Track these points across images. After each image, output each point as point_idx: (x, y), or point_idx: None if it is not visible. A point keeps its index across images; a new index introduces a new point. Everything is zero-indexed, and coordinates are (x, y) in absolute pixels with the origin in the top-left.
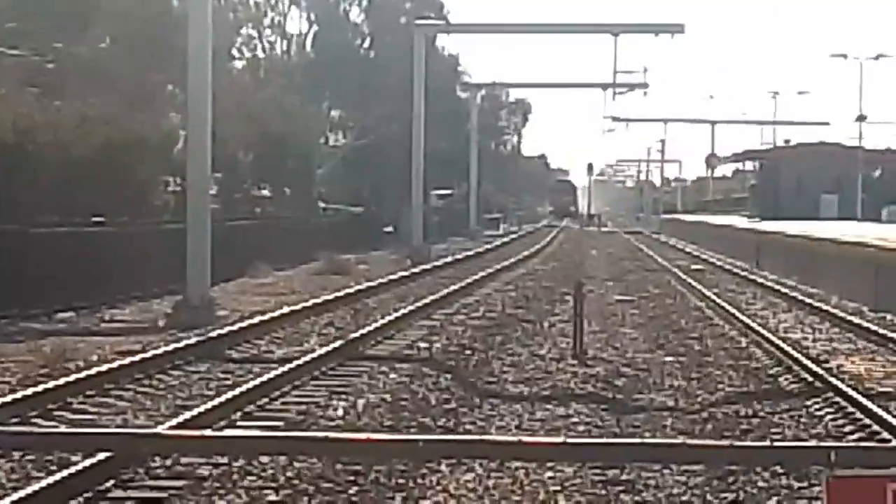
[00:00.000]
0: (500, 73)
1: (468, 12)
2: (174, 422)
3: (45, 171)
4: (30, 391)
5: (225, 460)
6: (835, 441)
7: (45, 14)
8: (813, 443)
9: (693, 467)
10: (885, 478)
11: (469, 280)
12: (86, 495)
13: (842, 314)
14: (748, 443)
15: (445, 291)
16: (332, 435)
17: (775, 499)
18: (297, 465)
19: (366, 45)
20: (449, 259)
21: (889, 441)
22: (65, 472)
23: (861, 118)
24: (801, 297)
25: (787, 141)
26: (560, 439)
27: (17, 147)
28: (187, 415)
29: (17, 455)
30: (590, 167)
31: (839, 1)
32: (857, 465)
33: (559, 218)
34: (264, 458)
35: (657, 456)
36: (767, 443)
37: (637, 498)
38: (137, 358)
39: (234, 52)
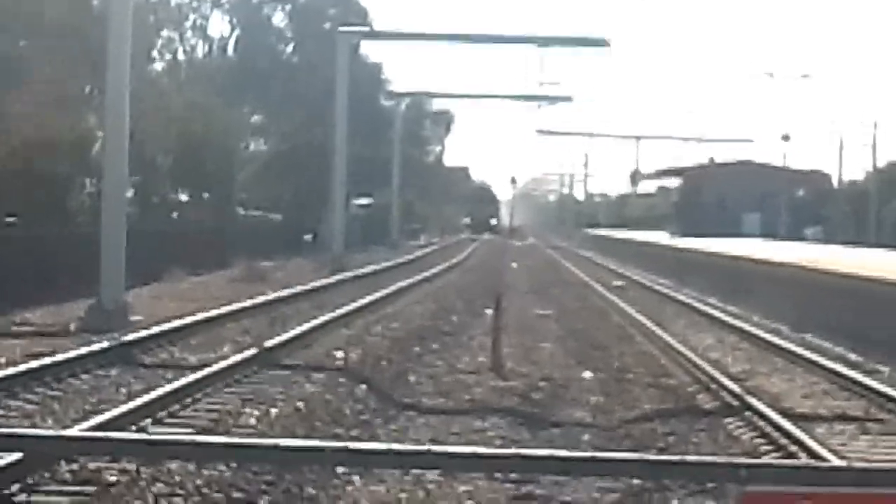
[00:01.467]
0: (424, 83)
1: (393, 21)
2: (83, 426)
3: None
4: None
5: (133, 466)
6: (747, 458)
7: None
8: (724, 459)
9: (608, 483)
10: (796, 495)
11: (389, 290)
12: None
13: (762, 334)
14: (659, 456)
15: (364, 301)
16: (239, 440)
17: None
18: (205, 472)
19: (289, 50)
20: (369, 269)
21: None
22: None
23: (786, 137)
24: (721, 317)
25: (711, 158)
26: (470, 449)
27: None
28: (97, 419)
29: None
30: (513, 180)
31: (769, 21)
32: (768, 481)
33: (477, 232)
34: (173, 465)
35: (566, 468)
36: (677, 457)
37: None
38: (48, 361)
39: (155, 53)
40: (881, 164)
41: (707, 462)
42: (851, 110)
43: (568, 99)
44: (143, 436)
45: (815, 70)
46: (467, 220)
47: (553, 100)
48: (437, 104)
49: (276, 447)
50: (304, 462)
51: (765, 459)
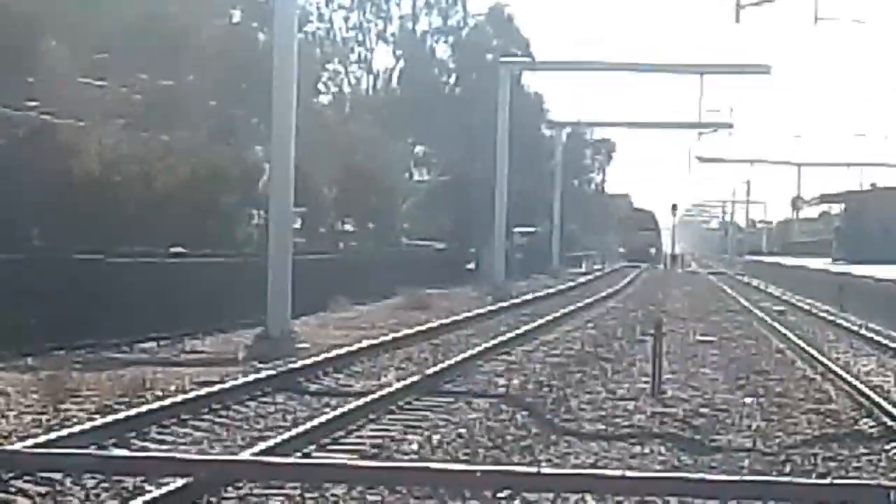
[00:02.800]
0: (584, 112)
1: (553, 50)
2: (248, 452)
3: (129, 201)
4: (109, 419)
5: (296, 492)
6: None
7: (132, 46)
8: (872, 481)
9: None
10: None
11: (549, 318)
12: None
13: None
14: (806, 480)
15: (525, 328)
16: (390, 464)
17: None
18: (369, 497)
19: (451, 81)
20: (530, 297)
21: None
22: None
23: None
24: (884, 342)
25: (873, 184)
26: (619, 472)
27: (103, 177)
28: (262, 445)
29: (90, 482)
30: (674, 207)
31: None
32: None
33: (633, 263)
34: (337, 490)
35: (714, 492)
36: (826, 480)
37: None
38: (215, 388)
39: (320, 86)
40: None
41: (855, 484)
42: None
43: (729, 126)
44: (305, 461)
45: None
46: (622, 249)
47: (714, 127)
48: (597, 133)
49: (427, 469)
50: (456, 483)
51: None
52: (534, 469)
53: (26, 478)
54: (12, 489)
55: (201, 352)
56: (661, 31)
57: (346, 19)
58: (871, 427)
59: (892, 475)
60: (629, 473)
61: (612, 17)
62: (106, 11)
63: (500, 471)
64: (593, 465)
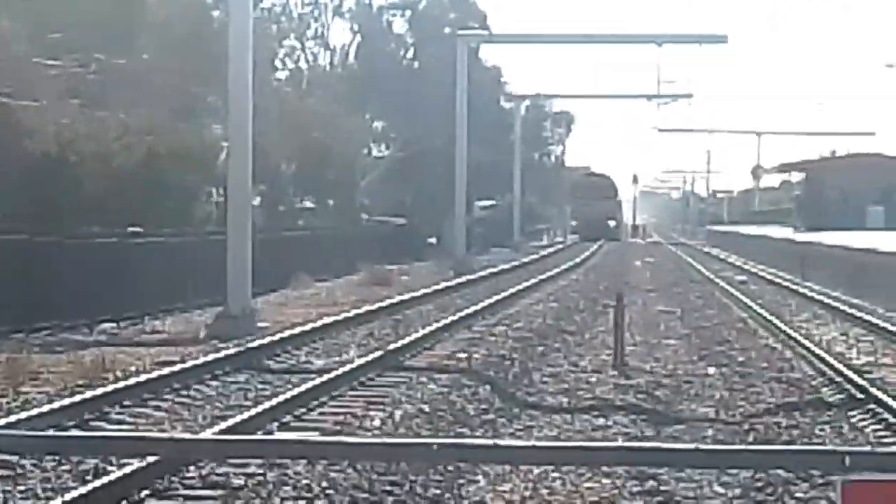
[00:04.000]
0: (543, 84)
1: (511, 23)
2: (210, 431)
3: (87, 181)
4: (67, 401)
5: (260, 469)
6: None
7: (87, 25)
8: (828, 447)
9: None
10: None
11: (511, 291)
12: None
13: (888, 326)
14: (764, 447)
15: (487, 302)
16: (348, 440)
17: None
18: (332, 474)
19: (409, 55)
20: (492, 270)
21: None
22: (98, 483)
23: None
24: (846, 309)
25: (833, 152)
26: (575, 444)
27: (60, 157)
28: (223, 425)
29: (50, 463)
30: (635, 178)
31: (891, 11)
32: (873, 469)
33: (588, 238)
34: (298, 467)
35: (672, 460)
36: (783, 447)
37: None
38: (176, 368)
39: (277, 63)
40: None
41: (810, 450)
42: None
43: (688, 96)
44: (264, 437)
45: None
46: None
47: (673, 97)
48: (556, 105)
49: (384, 444)
50: (413, 458)
51: (867, 448)
52: (490, 441)
53: None
54: None
55: (162, 332)
56: (620, 2)
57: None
58: (833, 394)
59: (850, 440)
60: (585, 444)
61: None
62: None
63: (457, 444)
64: (556, 438)
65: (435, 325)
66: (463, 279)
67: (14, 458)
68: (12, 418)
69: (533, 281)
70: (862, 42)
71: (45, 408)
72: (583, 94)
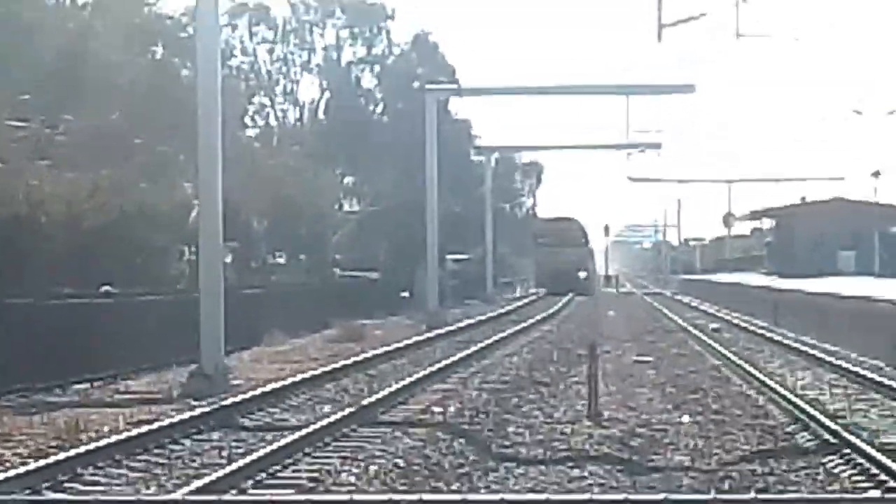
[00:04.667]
0: (513, 136)
1: (479, 76)
2: (183, 491)
3: (58, 242)
4: (41, 463)
5: None
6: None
7: (54, 86)
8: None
9: None
10: None
11: (484, 343)
12: None
13: (860, 370)
14: (730, 496)
15: (460, 355)
16: (317, 497)
17: None
18: None
19: (378, 110)
20: (465, 323)
21: None
22: None
23: (876, 174)
24: (818, 355)
25: (803, 198)
26: (543, 496)
27: (30, 218)
28: (198, 483)
29: None
30: (606, 229)
31: (856, 58)
32: None
33: (555, 291)
34: None
35: None
36: (763, 495)
37: None
38: (153, 427)
39: (247, 120)
40: None
41: (791, 499)
42: None
43: (657, 146)
44: (242, 497)
45: None
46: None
47: (642, 147)
48: (526, 156)
49: (351, 501)
50: None
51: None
52: (458, 497)
53: None
54: None
55: (135, 391)
56: (587, 53)
57: (271, 52)
58: (808, 441)
59: (829, 487)
60: (553, 497)
61: (538, 41)
62: (27, 52)
63: (424, 500)
64: (532, 490)
65: (409, 380)
66: (435, 333)
67: None
68: None
69: (506, 333)
70: (830, 89)
71: (21, 469)
72: (552, 145)
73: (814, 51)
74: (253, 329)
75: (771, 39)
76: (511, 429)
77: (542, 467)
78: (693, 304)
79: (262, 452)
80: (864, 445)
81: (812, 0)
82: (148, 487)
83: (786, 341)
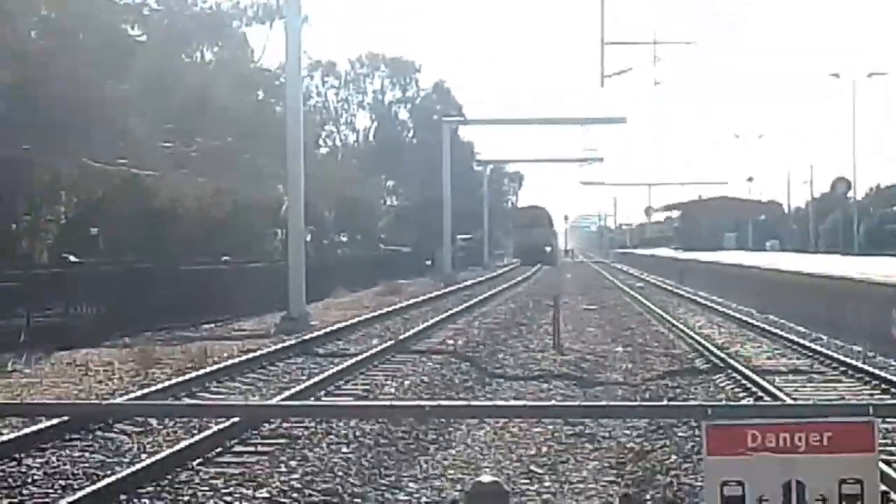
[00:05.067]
0: (502, 151)
1: (480, 108)
2: (277, 398)
3: (191, 226)
4: (180, 379)
5: (312, 424)
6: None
7: (190, 118)
8: (696, 403)
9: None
10: (746, 426)
11: (481, 297)
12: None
13: (738, 315)
14: (651, 403)
15: (466, 305)
16: (368, 403)
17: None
18: (372, 427)
19: (410, 135)
20: (470, 283)
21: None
22: (200, 436)
23: (750, 179)
24: (710, 305)
25: (700, 196)
26: (521, 403)
27: (171, 210)
28: (287, 392)
29: (171, 424)
30: (566, 216)
31: (734, 92)
32: (727, 417)
33: (528, 263)
34: (339, 423)
35: (587, 413)
36: (664, 403)
37: (590, 443)
38: (256, 354)
39: (320, 142)
40: (816, 194)
41: (684, 405)
42: (795, 157)
43: (601, 160)
44: (312, 403)
45: (769, 131)
46: (514, 250)
47: (591, 160)
48: (512, 167)
49: (388, 406)
50: (409, 416)
51: (724, 402)
52: (465, 403)
53: (126, 422)
54: (116, 430)
55: (245, 330)
56: (557, 92)
57: (336, 94)
58: (704, 364)
59: (717, 396)
60: (530, 403)
61: (524, 80)
62: (173, 94)
63: (442, 405)
64: (514, 398)
65: (431, 321)
66: (449, 289)
67: (148, 420)
68: (145, 391)
69: (498, 288)
70: (722, 117)
71: (167, 383)
72: (530, 158)
73: (706, 92)
74: (324, 286)
75: (678, 85)
76: (500, 356)
77: (522, 382)
78: (625, 269)
79: (330, 371)
80: (741, 367)
81: (705, 61)
82: (253, 396)
83: (688, 295)
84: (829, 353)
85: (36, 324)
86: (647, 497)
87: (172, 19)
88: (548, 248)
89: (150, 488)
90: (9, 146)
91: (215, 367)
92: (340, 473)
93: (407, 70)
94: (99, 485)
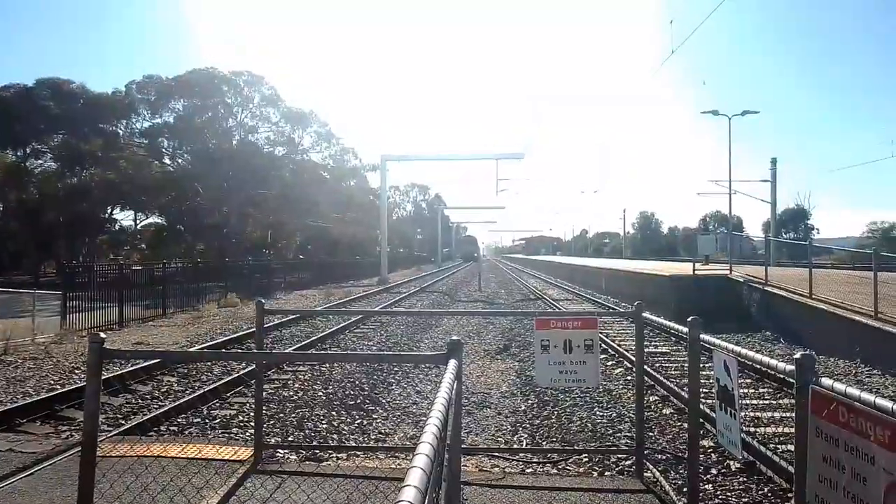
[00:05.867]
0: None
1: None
2: (380, 306)
3: (344, 246)
4: (341, 300)
5: (385, 319)
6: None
7: (329, 203)
8: (533, 310)
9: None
10: (560, 318)
11: (452, 271)
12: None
13: (545, 278)
14: (515, 310)
15: (448, 274)
16: (408, 311)
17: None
18: (408, 320)
19: (426, 213)
20: (449, 265)
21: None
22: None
23: (551, 229)
24: (536, 276)
25: (533, 235)
26: (466, 310)
27: (337, 240)
28: (381, 306)
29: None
30: (483, 241)
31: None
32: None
33: (466, 261)
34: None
35: (495, 314)
36: (528, 310)
37: (491, 325)
38: (365, 293)
39: (394, 215)
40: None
41: (529, 312)
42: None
43: (504, 190)
44: (391, 310)
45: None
46: (459, 255)
47: (503, 189)
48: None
49: (420, 311)
50: (424, 316)
51: (546, 310)
52: (445, 310)
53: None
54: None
55: (361, 285)
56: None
57: (396, 199)
58: (535, 298)
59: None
60: (475, 310)
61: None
62: (339, 196)
63: (433, 311)
64: (465, 307)
65: (436, 278)
66: (442, 268)
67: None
68: (334, 301)
69: (444, 276)
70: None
71: (337, 301)
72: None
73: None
74: (396, 267)
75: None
76: (459, 293)
77: (468, 302)
78: (509, 265)
79: (396, 298)
80: (549, 299)
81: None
82: (367, 307)
83: (537, 275)
84: (579, 292)
85: (287, 281)
86: (511, 344)
87: (340, 168)
88: (476, 254)
89: (330, 340)
90: (277, 213)
91: (354, 296)
92: (400, 336)
93: (424, 191)
94: (324, 332)
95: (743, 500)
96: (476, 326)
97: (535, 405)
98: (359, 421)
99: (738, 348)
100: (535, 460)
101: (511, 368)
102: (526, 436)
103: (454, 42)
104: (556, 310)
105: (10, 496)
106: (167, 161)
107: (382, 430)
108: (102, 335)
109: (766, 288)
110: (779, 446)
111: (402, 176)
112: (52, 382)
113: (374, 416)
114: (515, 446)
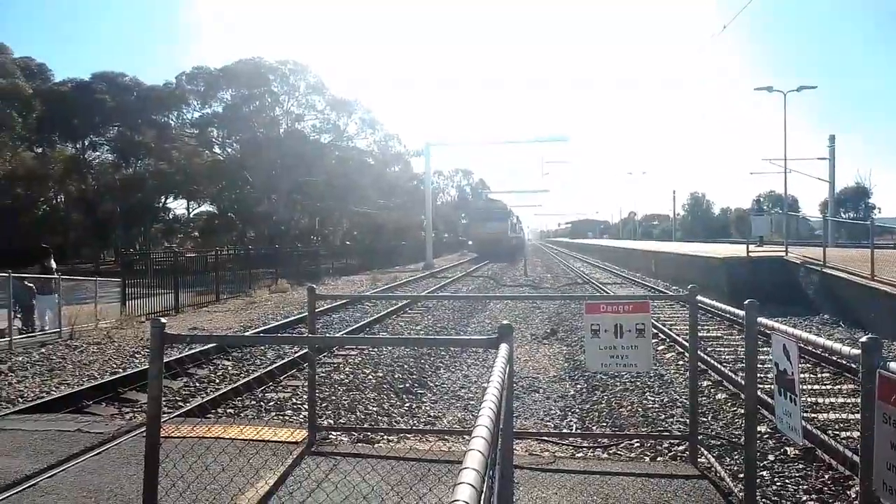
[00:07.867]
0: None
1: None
2: (426, 291)
3: (389, 230)
4: (387, 286)
5: (432, 304)
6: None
7: (375, 188)
8: (589, 294)
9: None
10: (601, 302)
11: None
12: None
13: (595, 263)
14: (564, 294)
15: (487, 262)
16: (453, 295)
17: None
18: (455, 304)
19: (470, 196)
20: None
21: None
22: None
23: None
24: (594, 261)
25: (594, 213)
26: (519, 294)
27: (382, 225)
28: (427, 290)
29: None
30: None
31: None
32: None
33: (486, 256)
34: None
35: (542, 298)
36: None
37: (538, 310)
38: (410, 278)
39: (439, 200)
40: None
41: (577, 296)
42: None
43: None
44: (435, 294)
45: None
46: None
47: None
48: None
49: (467, 296)
50: (468, 301)
51: (598, 295)
52: (495, 295)
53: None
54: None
55: (406, 270)
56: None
57: (439, 184)
58: (582, 283)
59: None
60: (523, 294)
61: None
62: (385, 181)
63: (481, 296)
64: (512, 292)
65: (479, 265)
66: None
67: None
68: (375, 289)
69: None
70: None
71: (383, 287)
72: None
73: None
74: (440, 253)
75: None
76: (504, 278)
77: (514, 286)
78: (555, 249)
79: (442, 283)
80: (596, 283)
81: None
82: (413, 291)
83: (585, 258)
84: (628, 276)
85: (334, 267)
86: (558, 329)
87: (384, 154)
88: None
89: (378, 325)
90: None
91: (400, 281)
92: (447, 321)
93: (468, 175)
94: (372, 317)
95: (802, 487)
96: (523, 311)
97: (584, 390)
98: (408, 404)
99: (798, 332)
100: (585, 445)
101: (559, 353)
102: (575, 420)
103: (497, 28)
104: (605, 294)
105: (79, 475)
106: (217, 150)
107: (432, 414)
108: (163, 320)
109: (824, 270)
110: (840, 433)
111: (446, 162)
112: (115, 366)
113: (424, 400)
114: (565, 430)
